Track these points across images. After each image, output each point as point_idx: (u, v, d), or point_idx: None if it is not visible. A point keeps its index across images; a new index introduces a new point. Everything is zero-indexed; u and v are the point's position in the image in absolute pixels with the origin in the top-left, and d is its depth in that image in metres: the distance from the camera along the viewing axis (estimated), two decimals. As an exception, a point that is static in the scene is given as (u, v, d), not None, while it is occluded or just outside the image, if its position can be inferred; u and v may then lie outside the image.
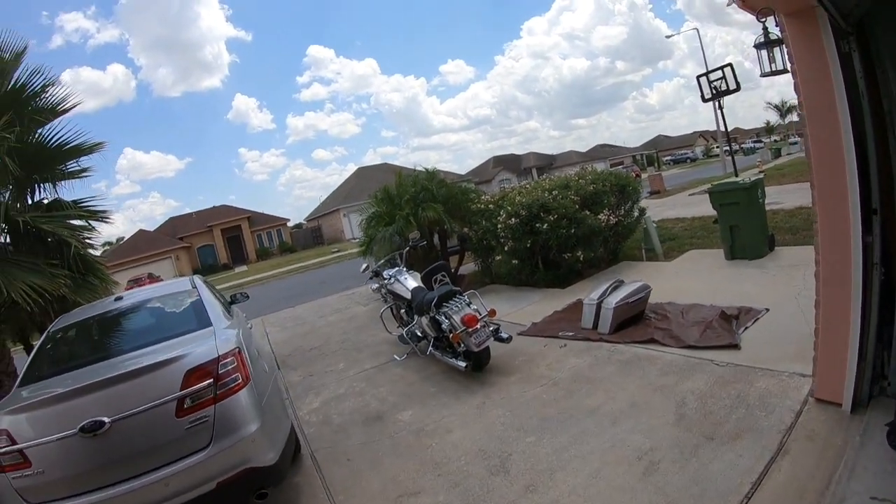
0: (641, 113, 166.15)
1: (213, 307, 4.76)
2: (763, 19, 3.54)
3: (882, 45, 3.09)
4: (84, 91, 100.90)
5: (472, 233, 10.03)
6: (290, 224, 59.35)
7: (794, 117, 58.56)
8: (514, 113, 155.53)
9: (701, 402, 4.21)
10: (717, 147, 76.79)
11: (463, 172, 58.99)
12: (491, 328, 5.52)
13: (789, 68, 3.44)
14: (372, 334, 8.33)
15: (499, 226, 9.12)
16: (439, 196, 9.85)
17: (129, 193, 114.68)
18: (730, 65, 12.94)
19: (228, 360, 3.71)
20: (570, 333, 6.31)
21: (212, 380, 3.57)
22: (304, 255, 42.00)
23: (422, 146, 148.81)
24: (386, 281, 7.25)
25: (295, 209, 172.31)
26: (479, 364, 5.57)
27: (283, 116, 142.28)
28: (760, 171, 26.94)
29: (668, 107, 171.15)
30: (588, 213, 8.92)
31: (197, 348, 3.78)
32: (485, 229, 9.61)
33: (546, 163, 73.13)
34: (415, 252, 8.19)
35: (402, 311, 7.10)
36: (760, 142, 64.13)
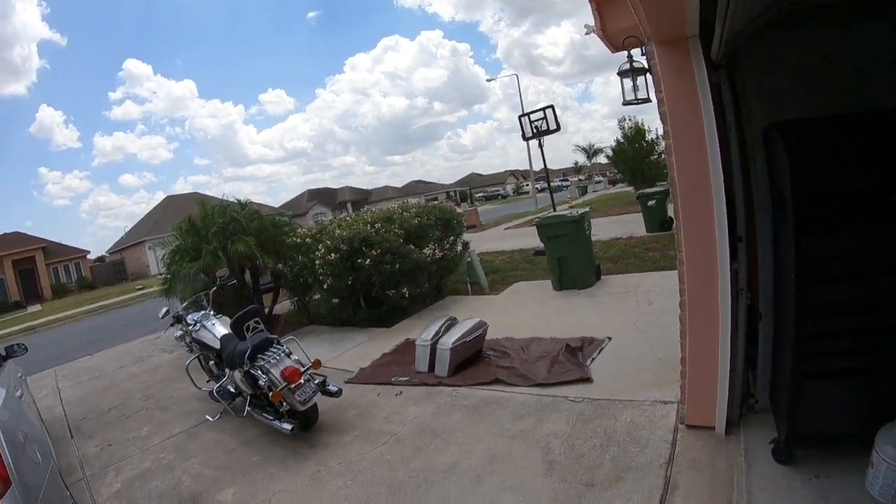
0: (455, 152, 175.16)
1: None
2: (629, 49, 3.62)
3: (747, 80, 3.33)
4: None
5: (288, 269, 9.33)
6: (90, 257, 53.57)
7: (599, 159, 64.36)
8: (330, 147, 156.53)
9: (568, 444, 3.93)
10: (527, 185, 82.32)
11: (277, 205, 57.92)
12: (317, 381, 4.89)
13: (655, 97, 3.48)
14: (179, 388, 7.27)
15: (317, 262, 8.56)
16: (251, 229, 9.07)
17: None
18: (551, 106, 13.88)
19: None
20: (405, 378, 5.81)
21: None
22: (105, 292, 37.50)
23: (236, 176, 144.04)
24: (191, 327, 6.36)
25: (98, 240, 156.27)
26: (306, 424, 4.92)
27: (91, 134, 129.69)
28: (570, 207, 29.08)
29: (481, 147, 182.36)
30: (413, 247, 8.66)
31: None
32: (301, 265, 8.99)
33: (362, 197, 73.61)
34: (223, 292, 7.22)
35: (212, 362, 6.24)
36: (567, 180, 69.71)
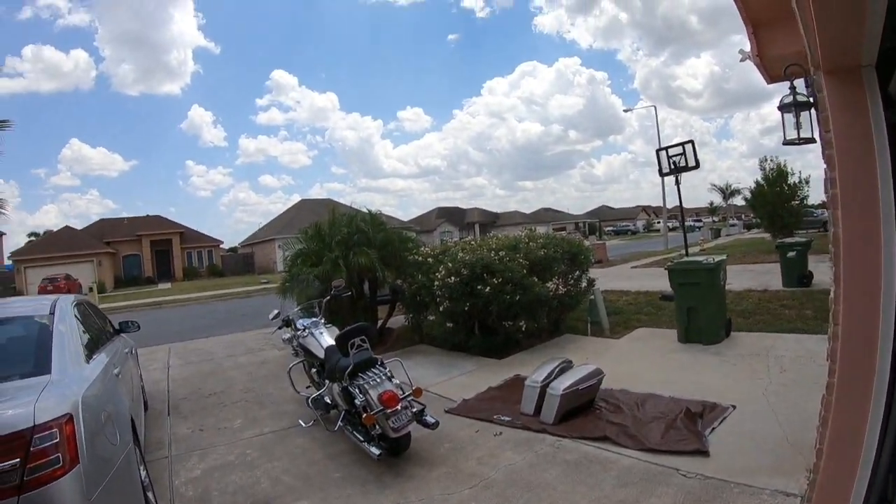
0: (587, 182, 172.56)
1: (67, 345, 3.67)
2: (792, 79, 3.15)
3: None
4: (43, 70, 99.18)
5: (407, 285, 9.30)
6: (223, 247, 58.25)
7: (735, 200, 61.10)
8: (463, 167, 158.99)
9: (671, 530, 3.48)
10: (659, 222, 79.60)
11: (406, 219, 59.16)
12: (414, 409, 4.75)
13: (821, 136, 2.94)
14: (280, 387, 7.42)
15: (436, 282, 8.43)
16: (375, 241, 9.15)
17: (68, 186, 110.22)
18: (691, 142, 13.09)
19: (48, 431, 2.66)
20: (507, 418, 5.51)
21: (18, 459, 2.54)
22: (231, 281, 40.73)
23: (369, 187, 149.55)
24: (299, 332, 6.44)
25: (233, 232, 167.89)
26: (396, 449, 4.76)
27: (237, 136, 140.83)
28: (702, 249, 27.54)
29: (614, 179, 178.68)
30: (536, 279, 8.35)
31: (6, 409, 2.73)
32: (420, 284, 8.90)
33: (490, 220, 74.25)
34: (337, 301, 7.30)
35: (314, 370, 6.27)
36: (700, 221, 66.62)
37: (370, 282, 9.62)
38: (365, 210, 10.18)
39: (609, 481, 4.15)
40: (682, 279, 8.17)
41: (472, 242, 10.08)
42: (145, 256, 49.13)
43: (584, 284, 9.85)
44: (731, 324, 8.47)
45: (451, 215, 73.45)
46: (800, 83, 3.32)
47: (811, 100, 3.13)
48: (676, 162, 13.04)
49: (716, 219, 65.90)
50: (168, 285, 40.89)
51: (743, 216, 69.50)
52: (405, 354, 8.74)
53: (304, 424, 5.69)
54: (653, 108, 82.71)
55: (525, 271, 8.27)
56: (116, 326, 6.18)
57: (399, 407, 4.55)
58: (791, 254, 12.72)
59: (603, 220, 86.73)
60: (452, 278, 8.18)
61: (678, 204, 14.87)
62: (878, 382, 2.86)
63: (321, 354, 5.79)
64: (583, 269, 9.94)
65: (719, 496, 3.78)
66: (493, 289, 7.91)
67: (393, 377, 4.87)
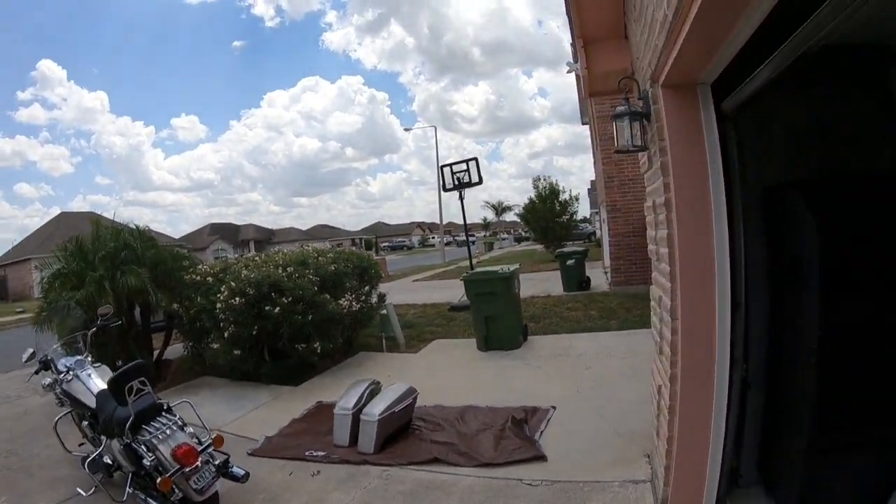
0: (362, 199, 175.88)
1: None
2: (626, 89, 3.30)
3: (745, 135, 3.12)
4: None
5: (184, 310, 8.17)
6: None
7: (507, 216, 65.77)
8: (237, 182, 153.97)
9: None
10: (433, 237, 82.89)
11: (177, 237, 55.34)
12: (217, 462, 3.97)
13: (656, 145, 3.12)
14: (49, 444, 5.86)
15: (218, 305, 7.55)
16: (146, 259, 7.93)
17: None
18: (475, 159, 13.70)
19: None
20: (321, 453, 4.89)
21: None
22: None
23: (137, 201, 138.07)
24: (62, 375, 5.17)
25: None
26: None
27: None
28: (478, 262, 28.95)
29: (389, 196, 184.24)
30: (328, 296, 7.82)
31: None
32: (200, 307, 7.93)
33: (265, 236, 72.22)
34: (106, 331, 6.01)
35: (86, 422, 5.08)
36: (473, 235, 70.70)
37: (142, 306, 8.32)
38: (132, 225, 8.76)
39: (455, 508, 3.79)
40: (479, 289, 8.22)
41: (257, 258, 9.25)
42: None
43: (374, 300, 9.50)
44: (527, 329, 8.72)
45: (224, 231, 70.23)
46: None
47: (641, 111, 3.27)
48: (461, 178, 13.43)
49: (487, 233, 70.15)
50: None
51: (512, 231, 74.91)
52: (189, 390, 7.72)
53: (83, 493, 4.55)
54: (433, 128, 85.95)
55: (316, 288, 7.74)
56: None
57: (199, 462, 3.79)
58: (570, 262, 13.80)
59: (379, 236, 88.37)
60: (237, 299, 7.37)
61: (460, 220, 15.28)
62: (719, 369, 3.05)
63: (92, 403, 4.71)
64: (373, 284, 9.62)
65: (572, 498, 3.74)
66: (283, 309, 7.25)
67: (185, 425, 4.10)
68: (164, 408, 4.18)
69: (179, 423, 4.06)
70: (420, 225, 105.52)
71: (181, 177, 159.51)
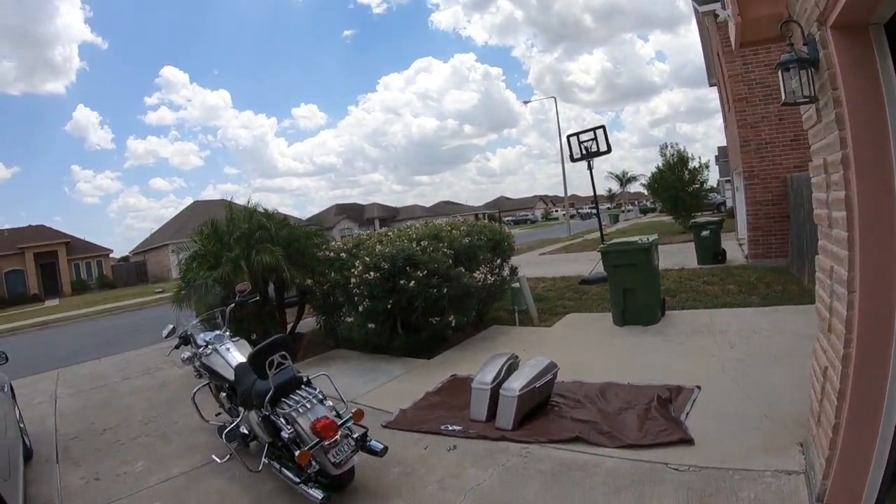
0: (483, 175, 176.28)
1: None
2: (788, 34, 2.94)
3: None
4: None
5: (317, 286, 8.42)
6: (114, 256, 54.09)
7: (632, 187, 63.72)
8: (359, 164, 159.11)
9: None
10: (556, 210, 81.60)
11: (303, 218, 57.60)
12: (356, 435, 3.93)
13: (828, 95, 2.75)
14: (185, 413, 6.31)
15: (353, 280, 7.60)
16: (279, 238, 8.16)
17: None
18: (602, 127, 13.06)
19: None
20: (458, 428, 4.80)
21: None
22: (124, 292, 37.41)
23: (264, 187, 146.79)
24: (201, 349, 5.34)
25: (125, 240, 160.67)
26: (338, 485, 3.96)
27: (125, 137, 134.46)
28: (605, 234, 28.09)
29: (509, 171, 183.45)
30: (462, 269, 7.71)
31: None
32: (333, 282, 8.01)
33: (389, 215, 73.79)
34: (243, 307, 6.13)
35: (224, 394, 5.25)
36: (595, 207, 68.93)
37: (275, 283, 8.67)
38: (261, 209, 9.11)
39: (599, 490, 3.59)
40: (618, 260, 7.84)
41: (390, 233, 9.22)
42: (29, 271, 44.28)
43: (506, 273, 9.35)
44: (665, 303, 8.26)
45: (350, 211, 72.46)
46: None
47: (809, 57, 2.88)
48: (588, 147, 12.93)
49: (611, 205, 68.12)
50: (56, 301, 37.32)
51: (636, 202, 72.39)
52: (322, 362, 7.97)
53: (218, 461, 4.68)
54: (552, 99, 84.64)
55: (451, 261, 7.64)
56: None
57: (338, 436, 3.76)
58: (705, 233, 13.00)
59: (502, 211, 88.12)
60: (371, 274, 7.40)
61: (582, 192, 14.88)
62: (897, 352, 2.65)
63: (230, 375, 4.84)
64: (505, 257, 9.47)
65: (721, 486, 3.43)
66: (417, 283, 7.25)
67: (325, 398, 4.08)
68: (304, 381, 4.19)
69: (319, 396, 4.05)
70: (542, 198, 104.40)
71: (305, 162, 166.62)
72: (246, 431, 4.59)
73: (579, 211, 75.59)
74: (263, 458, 4.19)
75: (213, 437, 5.30)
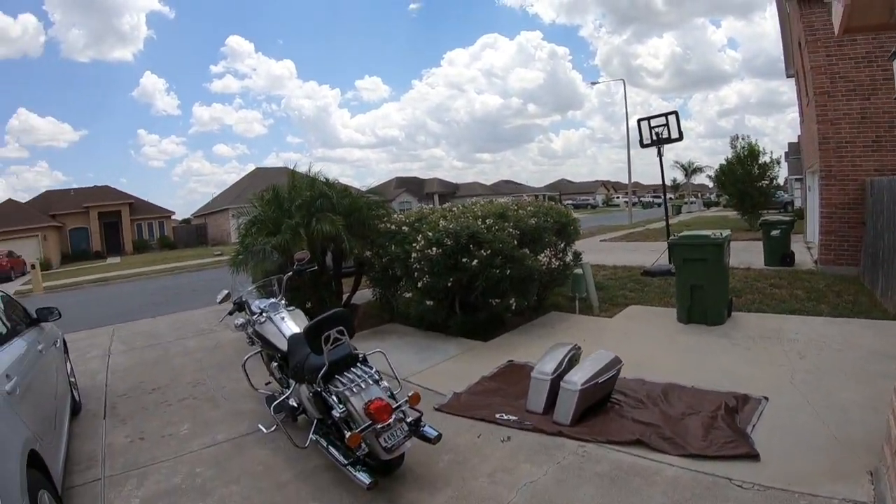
0: (544, 156, 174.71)
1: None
2: None
3: None
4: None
5: (376, 258, 8.25)
6: (175, 218, 55.99)
7: (697, 178, 62.23)
8: (421, 138, 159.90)
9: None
10: (618, 197, 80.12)
11: (364, 189, 57.94)
12: (409, 420, 3.76)
13: None
14: (235, 378, 6.33)
15: (413, 254, 7.44)
16: (340, 207, 8.04)
17: (16, 158, 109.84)
18: (675, 112, 12.71)
19: None
20: (513, 418, 4.65)
21: None
22: (183, 253, 38.82)
23: (325, 157, 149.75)
24: (255, 317, 5.24)
25: (187, 203, 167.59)
26: (386, 468, 3.84)
27: (190, 104, 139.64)
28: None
29: (571, 154, 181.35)
30: (527, 251, 7.50)
31: None
32: (393, 255, 7.86)
33: (449, 190, 73.54)
34: (301, 276, 6.04)
35: (275, 364, 5.16)
36: (659, 197, 67.71)
37: (334, 253, 8.63)
38: (323, 178, 8.92)
39: (658, 499, 3.42)
40: (688, 254, 7.51)
41: (454, 209, 9.02)
42: (93, 229, 46.38)
43: (569, 258, 9.14)
44: (731, 303, 7.92)
45: (410, 185, 72.19)
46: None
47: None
48: (659, 133, 12.56)
49: (673, 196, 66.49)
50: (117, 259, 38.88)
51: (700, 194, 70.52)
52: (376, 336, 7.95)
53: (264, 430, 4.61)
54: (620, 81, 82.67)
55: (516, 242, 7.44)
56: (34, 315, 5.35)
57: (392, 420, 3.60)
58: (775, 232, 12.37)
59: (563, 193, 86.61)
60: (434, 249, 7.22)
61: (644, 179, 14.53)
62: None
63: (283, 346, 4.75)
64: (570, 241, 9.24)
65: None
66: (480, 262, 7.06)
67: (381, 379, 3.91)
68: (360, 358, 4.05)
69: (375, 376, 3.89)
70: (605, 183, 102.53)
71: (367, 134, 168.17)
72: (295, 405, 4.50)
73: (641, 199, 74.06)
74: (311, 435, 4.09)
75: (261, 405, 5.28)
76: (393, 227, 8.33)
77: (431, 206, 10.13)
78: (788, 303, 8.49)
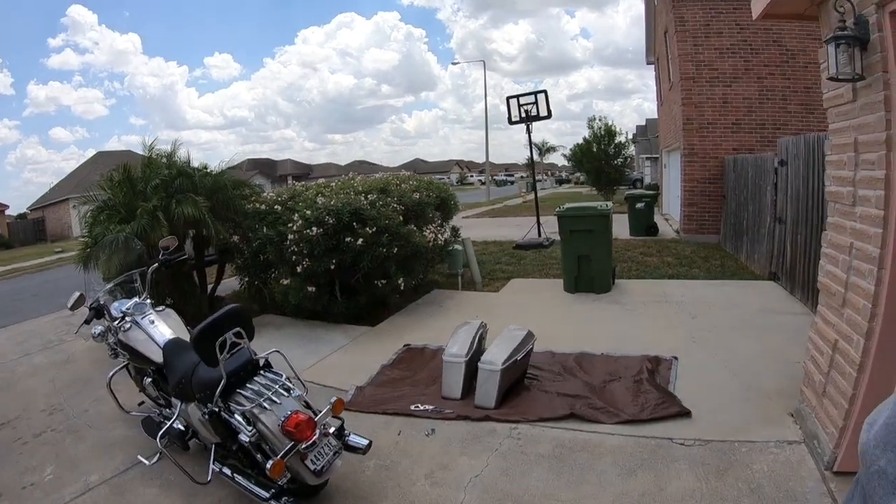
0: (397, 137, 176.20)
1: None
2: (841, 10, 2.91)
3: None
4: None
5: (244, 242, 7.50)
6: (9, 213, 48.71)
7: (550, 157, 65.36)
8: (272, 119, 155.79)
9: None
10: (472, 175, 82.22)
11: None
12: (332, 430, 3.15)
13: (879, 77, 2.78)
14: (97, 398, 5.33)
15: (290, 236, 6.82)
16: (202, 187, 7.17)
17: None
18: (544, 91, 13.00)
19: None
20: (430, 408, 4.25)
21: None
22: (20, 253, 33.49)
23: (171, 140, 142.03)
24: (116, 323, 4.18)
25: (22, 196, 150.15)
26: (310, 492, 3.21)
27: (25, 82, 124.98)
28: (524, 201, 28.40)
29: (424, 134, 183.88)
30: (413, 227, 7.19)
31: None
32: (265, 239, 7.18)
33: (303, 172, 71.52)
34: (166, 270, 5.01)
35: (149, 379, 4.07)
36: (512, 175, 70.22)
37: (195, 239, 7.65)
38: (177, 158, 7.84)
39: (611, 471, 3.26)
40: (575, 226, 7.58)
41: (331, 185, 8.41)
42: None
43: (447, 234, 8.93)
44: (615, 272, 8.13)
45: (262, 167, 69.07)
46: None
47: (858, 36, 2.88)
48: (528, 110, 12.76)
49: (523, 175, 69.25)
50: None
51: (552, 173, 74.11)
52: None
53: (147, 462, 3.70)
54: (481, 62, 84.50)
55: (401, 218, 7.10)
56: None
57: (316, 436, 2.98)
58: (640, 205, 13.21)
59: (418, 173, 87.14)
60: (314, 230, 6.63)
61: (530, 155, 14.77)
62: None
63: (157, 357, 3.84)
64: (449, 217, 9.09)
65: (733, 460, 3.32)
66: (365, 240, 6.60)
67: (292, 388, 3.23)
68: (263, 365, 3.38)
69: (286, 383, 3.22)
70: (459, 163, 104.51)
71: (215, 115, 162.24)
72: (182, 428, 3.64)
73: (494, 178, 76.68)
74: (212, 465, 3.30)
75: (134, 429, 4.40)
76: (263, 206, 7.62)
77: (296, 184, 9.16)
78: (662, 269, 8.94)
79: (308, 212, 6.84)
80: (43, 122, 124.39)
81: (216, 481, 3.34)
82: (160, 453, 3.59)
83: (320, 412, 3.10)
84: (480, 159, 43.50)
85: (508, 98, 13.03)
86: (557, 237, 12.16)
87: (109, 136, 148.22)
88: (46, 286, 15.83)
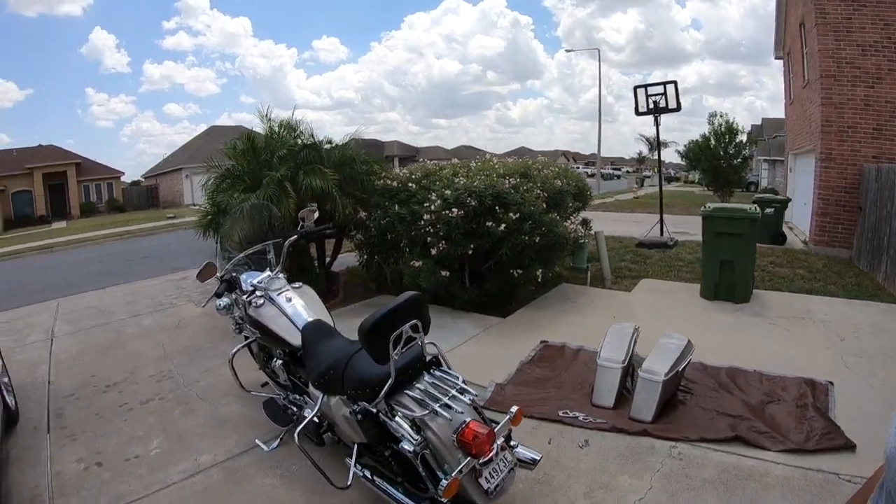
0: (501, 124, 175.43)
1: None
2: None
3: None
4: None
5: (371, 220, 7.25)
6: (125, 180, 52.28)
7: (663, 153, 63.48)
8: (377, 101, 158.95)
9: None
10: (578, 167, 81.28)
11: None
12: (500, 441, 2.73)
13: None
14: (209, 368, 5.23)
15: (425, 216, 6.55)
16: (329, 160, 7.10)
17: None
18: (674, 82, 12.50)
19: None
20: (581, 415, 4.10)
21: None
22: (133, 216, 36.16)
23: (280, 118, 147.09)
24: (247, 298, 3.86)
25: (136, 165, 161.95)
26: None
27: (141, 61, 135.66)
28: (635, 196, 27.46)
29: (528, 122, 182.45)
30: (556, 216, 6.93)
31: None
32: (395, 217, 6.91)
33: (409, 154, 71.78)
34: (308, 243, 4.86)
35: (278, 361, 3.71)
36: (619, 169, 68.41)
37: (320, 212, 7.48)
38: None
39: (782, 508, 3.11)
40: (721, 228, 7.21)
41: (471, 164, 7.91)
42: (37, 192, 42.68)
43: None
44: (754, 282, 7.71)
45: (368, 147, 70.85)
46: None
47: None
48: (657, 101, 12.33)
49: (630, 169, 67.19)
50: (63, 224, 36.24)
51: (655, 169, 72.10)
52: (367, 310, 7.04)
53: (265, 448, 3.56)
54: (595, 51, 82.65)
55: (545, 206, 6.79)
56: None
57: (493, 451, 2.62)
58: (769, 210, 12.31)
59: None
60: (454, 211, 6.35)
61: (591, 153, 14.36)
62: None
63: (295, 340, 3.49)
64: (583, 207, 8.91)
65: None
66: (508, 227, 6.32)
67: (466, 390, 2.83)
68: (434, 364, 3.00)
69: (461, 385, 2.83)
70: (564, 153, 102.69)
71: (322, 96, 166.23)
72: (317, 420, 3.30)
73: (602, 171, 75.33)
74: (352, 467, 2.95)
75: (249, 406, 4.32)
76: (395, 183, 7.46)
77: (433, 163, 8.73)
78: (797, 282, 8.43)
79: (447, 191, 6.61)
80: (158, 99, 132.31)
81: (342, 467, 3.14)
82: (280, 438, 3.50)
83: (499, 423, 2.75)
84: (585, 150, 42.73)
85: (636, 87, 12.61)
86: (681, 238, 11.86)
87: (220, 113, 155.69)
88: (157, 248, 16.80)
